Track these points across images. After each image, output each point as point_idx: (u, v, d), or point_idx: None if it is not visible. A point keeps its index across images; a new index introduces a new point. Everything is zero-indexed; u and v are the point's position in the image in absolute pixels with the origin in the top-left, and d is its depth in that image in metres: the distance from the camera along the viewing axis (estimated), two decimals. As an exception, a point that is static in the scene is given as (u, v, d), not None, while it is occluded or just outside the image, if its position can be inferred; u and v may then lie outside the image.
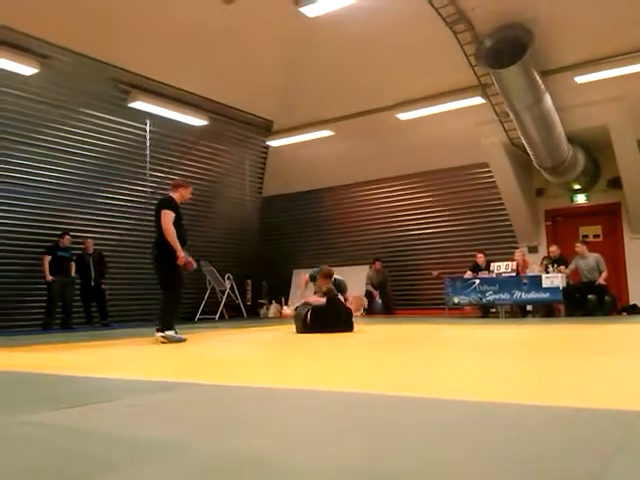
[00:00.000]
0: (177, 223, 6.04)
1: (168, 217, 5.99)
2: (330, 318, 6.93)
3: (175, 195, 6.31)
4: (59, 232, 9.98)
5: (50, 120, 9.98)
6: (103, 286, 10.39)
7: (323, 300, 7.12)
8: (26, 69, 8.87)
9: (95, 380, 3.46)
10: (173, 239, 5.94)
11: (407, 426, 2.00)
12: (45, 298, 9.76)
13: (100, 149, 10.81)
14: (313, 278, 7.72)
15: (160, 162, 11.81)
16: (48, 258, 9.65)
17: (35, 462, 1.65)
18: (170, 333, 5.92)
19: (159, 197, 6.63)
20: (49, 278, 9.59)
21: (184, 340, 5.94)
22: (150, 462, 1.61)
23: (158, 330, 5.96)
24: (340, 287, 7.63)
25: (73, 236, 10.12)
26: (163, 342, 5.84)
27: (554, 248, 10.59)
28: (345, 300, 7.63)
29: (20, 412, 2.41)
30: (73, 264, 10.03)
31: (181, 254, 5.96)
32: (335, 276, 7.61)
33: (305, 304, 7.23)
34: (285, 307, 7.85)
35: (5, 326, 9.55)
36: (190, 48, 10.44)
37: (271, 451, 1.69)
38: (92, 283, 10.29)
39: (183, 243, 6.02)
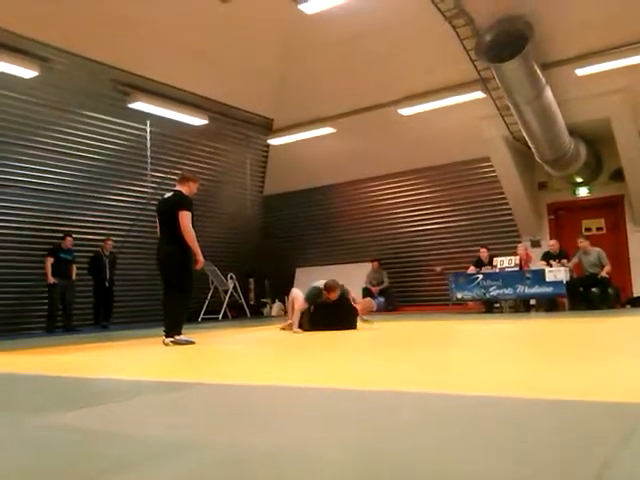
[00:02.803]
0: (192, 222, 5.78)
1: (187, 218, 5.72)
2: (335, 315, 6.91)
3: (184, 189, 5.97)
4: (61, 234, 9.97)
5: (50, 122, 9.98)
6: (114, 287, 10.40)
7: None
8: (26, 72, 8.84)
9: (104, 381, 3.46)
10: (194, 242, 5.72)
11: (413, 420, 1.99)
12: (47, 301, 9.76)
13: (101, 150, 10.81)
14: (312, 299, 7.13)
15: (161, 162, 11.80)
16: (50, 260, 9.61)
17: (49, 463, 1.65)
18: (180, 337, 5.71)
19: (167, 193, 6.21)
20: (51, 280, 9.54)
21: (193, 342, 5.72)
22: (163, 461, 1.61)
23: (168, 335, 5.71)
24: (346, 298, 7.40)
25: (75, 238, 10.10)
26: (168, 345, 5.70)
27: (553, 242, 10.57)
28: (353, 301, 7.52)
29: (33, 414, 2.42)
30: (74, 266, 10.00)
31: (201, 258, 5.79)
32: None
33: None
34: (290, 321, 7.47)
35: (10, 329, 9.56)
36: (189, 48, 10.43)
37: (283, 447, 1.68)
38: (107, 284, 10.28)
39: None
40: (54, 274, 9.59)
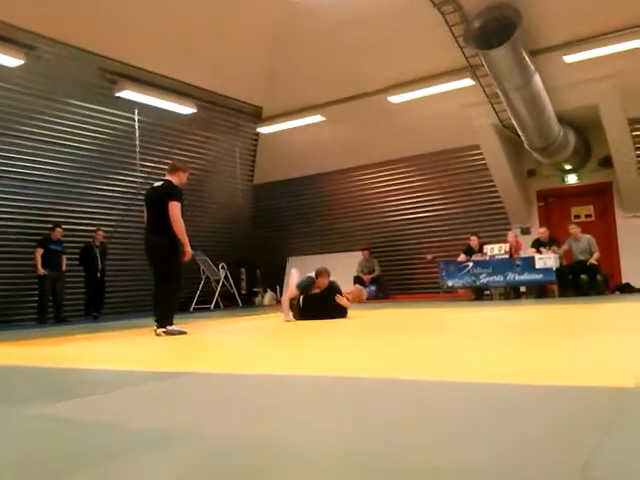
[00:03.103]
0: (182, 213, 5.74)
1: (177, 208, 5.66)
2: (324, 305, 6.92)
3: (174, 179, 5.91)
4: (50, 225, 9.91)
5: (37, 112, 9.87)
6: (105, 278, 10.37)
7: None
8: (11, 60, 8.73)
9: (93, 372, 3.46)
10: (183, 233, 5.67)
11: (403, 407, 2.00)
12: (37, 292, 9.71)
13: (89, 140, 10.71)
14: (304, 289, 7.18)
15: (150, 152, 11.73)
16: (40, 251, 9.55)
17: (38, 453, 1.65)
18: (172, 327, 5.70)
19: (157, 182, 6.15)
20: (41, 272, 9.49)
21: (185, 332, 5.72)
22: (153, 449, 1.61)
23: (160, 325, 5.69)
24: (335, 288, 7.23)
25: (65, 229, 10.04)
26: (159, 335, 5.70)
27: (543, 229, 10.64)
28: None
29: (22, 405, 2.42)
30: (64, 257, 9.94)
31: (189, 249, 5.76)
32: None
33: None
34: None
35: (2, 321, 9.52)
36: (177, 36, 10.34)
37: (272, 435, 1.69)
38: (98, 275, 10.24)
39: None
40: (44, 265, 9.54)
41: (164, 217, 5.67)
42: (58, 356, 4.46)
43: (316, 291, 7.09)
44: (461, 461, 1.38)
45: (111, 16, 9.48)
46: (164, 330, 5.67)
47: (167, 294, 5.81)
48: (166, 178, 6.01)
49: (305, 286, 7.15)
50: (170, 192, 5.77)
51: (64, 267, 9.90)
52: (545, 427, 1.65)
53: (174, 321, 5.85)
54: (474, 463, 1.36)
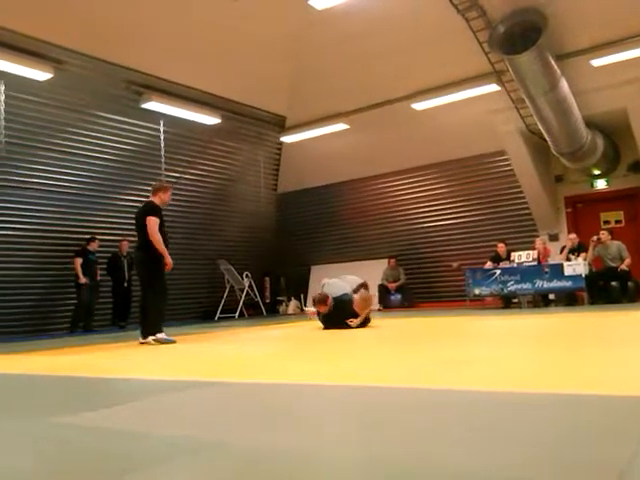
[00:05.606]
0: (160, 228, 6.21)
1: (154, 224, 6.14)
2: (338, 321, 6.88)
3: (155, 199, 6.42)
4: (78, 236, 10.06)
5: (65, 124, 10.03)
6: (132, 287, 10.49)
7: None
8: (40, 74, 8.91)
9: (122, 381, 3.48)
10: (161, 246, 6.14)
11: (432, 417, 1.95)
12: (71, 302, 9.86)
13: (114, 151, 10.85)
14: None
15: (175, 162, 11.83)
16: (79, 260, 9.78)
17: (68, 462, 1.65)
18: (161, 336, 6.06)
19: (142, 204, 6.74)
20: (83, 280, 9.70)
21: (174, 342, 6.06)
22: (183, 459, 1.60)
23: (148, 334, 6.08)
24: (344, 303, 7.00)
25: (92, 239, 10.18)
26: (142, 344, 6.10)
27: (573, 236, 10.45)
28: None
29: (53, 414, 2.42)
30: (97, 267, 10.11)
31: (169, 260, 6.17)
32: (335, 295, 7.04)
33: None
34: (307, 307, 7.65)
35: (34, 330, 9.68)
36: (201, 47, 10.44)
37: (301, 445, 1.67)
38: (125, 285, 10.39)
39: (166, 246, 6.23)
40: (83, 275, 9.74)
41: (145, 233, 6.17)
42: (86, 366, 4.49)
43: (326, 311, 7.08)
44: (489, 469, 1.33)
45: (136, 29, 9.62)
46: (154, 338, 6.04)
47: (156, 304, 6.22)
48: (149, 199, 6.52)
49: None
50: (147, 209, 6.34)
51: (98, 277, 10.09)
52: (580, 437, 1.59)
53: (163, 329, 6.22)
54: (505, 472, 1.31)
